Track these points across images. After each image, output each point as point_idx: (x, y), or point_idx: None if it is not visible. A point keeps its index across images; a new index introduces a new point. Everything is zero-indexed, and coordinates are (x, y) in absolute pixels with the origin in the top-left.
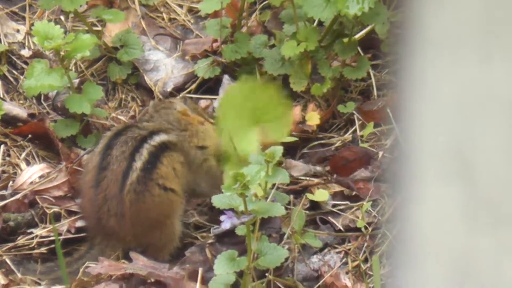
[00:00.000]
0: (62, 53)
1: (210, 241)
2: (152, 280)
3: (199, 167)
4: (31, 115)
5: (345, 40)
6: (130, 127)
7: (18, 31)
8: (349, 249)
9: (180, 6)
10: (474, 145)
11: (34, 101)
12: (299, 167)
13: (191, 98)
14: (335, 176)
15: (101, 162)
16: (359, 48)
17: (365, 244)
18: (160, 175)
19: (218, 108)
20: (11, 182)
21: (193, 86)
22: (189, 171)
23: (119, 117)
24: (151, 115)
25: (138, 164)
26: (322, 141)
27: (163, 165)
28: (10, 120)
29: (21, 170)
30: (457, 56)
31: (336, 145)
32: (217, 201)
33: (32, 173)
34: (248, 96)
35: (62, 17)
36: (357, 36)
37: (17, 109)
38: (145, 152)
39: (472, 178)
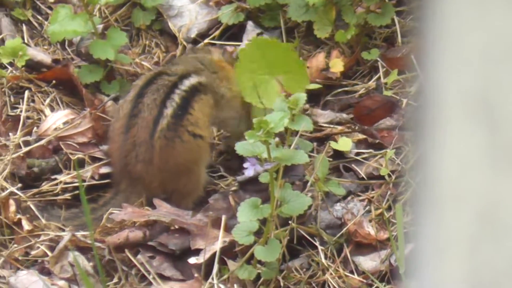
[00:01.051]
0: None
1: (233, 188)
2: (176, 227)
3: (229, 103)
4: (55, 61)
5: None
6: (160, 75)
7: None
8: (373, 197)
9: None
10: (499, 91)
11: (58, 46)
12: (324, 115)
13: (214, 44)
14: (357, 126)
15: (132, 110)
16: None
17: (389, 192)
18: (190, 122)
19: (238, 62)
20: (35, 128)
21: (217, 33)
22: (219, 111)
23: (142, 63)
24: (181, 58)
25: (169, 110)
26: (346, 88)
27: (194, 111)
28: (34, 66)
29: (45, 116)
30: (483, 3)
31: (360, 92)
32: (241, 148)
33: (56, 119)
34: (263, 51)
35: None
36: None
37: (41, 55)
38: (176, 97)
39: (496, 123)
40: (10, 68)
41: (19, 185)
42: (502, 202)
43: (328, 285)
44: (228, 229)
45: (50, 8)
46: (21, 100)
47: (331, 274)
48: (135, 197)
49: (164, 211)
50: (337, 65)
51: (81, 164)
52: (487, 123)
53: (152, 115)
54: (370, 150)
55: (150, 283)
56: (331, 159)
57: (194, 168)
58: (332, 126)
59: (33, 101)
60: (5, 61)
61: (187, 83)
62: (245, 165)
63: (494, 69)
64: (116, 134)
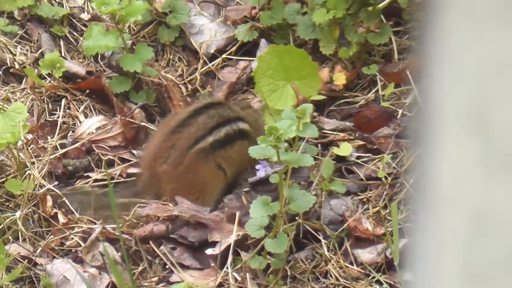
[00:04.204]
0: (117, 17)
1: (246, 189)
2: (195, 221)
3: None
4: (89, 72)
5: (370, 8)
6: (223, 106)
7: None
8: (370, 197)
9: None
10: (491, 105)
11: (92, 59)
12: (328, 123)
13: (231, 59)
14: (358, 133)
15: (185, 119)
16: (382, 16)
17: (385, 192)
18: (221, 156)
19: (256, 69)
20: (70, 132)
21: (233, 49)
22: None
23: (167, 75)
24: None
25: (211, 139)
26: (348, 100)
27: (230, 150)
28: (70, 77)
29: (79, 121)
30: (478, 25)
31: (360, 103)
32: (254, 152)
33: (90, 124)
34: (281, 57)
35: None
36: (381, 5)
37: (76, 67)
38: (223, 132)
39: (488, 133)
40: (48, 79)
41: (56, 182)
42: (493, 203)
43: (330, 275)
44: (241, 224)
45: (85, 26)
46: (58, 107)
47: (333, 265)
48: (148, 190)
49: (184, 207)
50: (340, 79)
51: (111, 164)
52: (480, 133)
53: (197, 133)
54: (369, 155)
55: (172, 271)
56: (334, 162)
57: (205, 190)
58: (335, 133)
59: (69, 108)
60: (44, 72)
61: (241, 125)
62: (257, 167)
63: (487, 85)
64: (161, 133)
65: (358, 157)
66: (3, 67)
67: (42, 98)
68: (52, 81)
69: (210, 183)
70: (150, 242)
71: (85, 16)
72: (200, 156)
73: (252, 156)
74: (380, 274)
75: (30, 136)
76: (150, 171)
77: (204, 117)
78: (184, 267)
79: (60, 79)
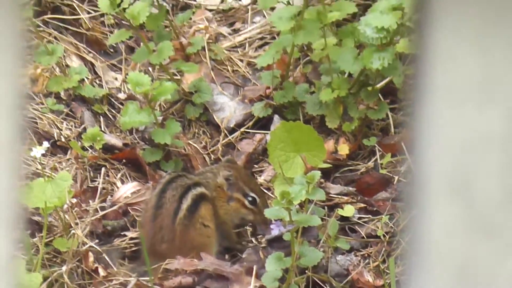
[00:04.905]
0: (149, 96)
1: (263, 245)
2: (217, 274)
3: (222, 222)
4: (125, 144)
5: (369, 88)
6: (181, 176)
7: (116, 79)
8: (371, 252)
9: (241, 60)
10: (473, 172)
11: (128, 133)
12: (333, 187)
13: (248, 132)
14: (359, 197)
15: (157, 202)
16: (380, 95)
17: (383, 249)
18: (200, 216)
19: (269, 142)
20: (109, 197)
21: (250, 123)
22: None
23: (193, 145)
24: (202, 170)
25: (184, 205)
26: (351, 167)
27: (202, 209)
28: (109, 148)
29: (117, 187)
30: (459, 105)
31: (361, 170)
32: (269, 213)
33: (126, 190)
34: (290, 132)
35: (150, 68)
36: (379, 85)
37: (114, 140)
38: (189, 197)
39: (472, 198)
40: (90, 150)
41: (96, 240)
42: (475, 261)
43: None
44: (258, 277)
45: (122, 104)
46: (98, 175)
47: None
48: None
49: (208, 262)
50: (344, 149)
51: None
52: (463, 197)
53: (172, 206)
54: (369, 216)
55: None
56: (339, 222)
57: (205, 247)
58: (339, 196)
59: (108, 175)
60: (86, 144)
61: (198, 189)
62: (271, 226)
63: (468, 156)
64: (146, 222)
65: (359, 218)
66: (51, 140)
67: (84, 167)
68: (93, 152)
69: (205, 240)
70: None
71: (121, 95)
72: (185, 224)
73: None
74: None
75: (74, 200)
76: (153, 254)
77: (169, 192)
78: None
79: (100, 150)
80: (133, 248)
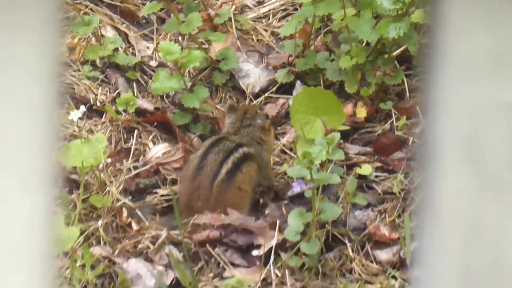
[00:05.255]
0: (179, 63)
1: (285, 202)
2: (242, 228)
3: (266, 166)
4: (156, 108)
5: (386, 56)
6: (222, 140)
7: (148, 47)
8: (387, 208)
9: (265, 30)
10: (483, 136)
11: (159, 98)
12: (352, 148)
13: (272, 97)
14: (376, 157)
15: (199, 164)
16: (396, 62)
17: (399, 205)
18: (237, 181)
19: (291, 106)
20: (142, 157)
21: (274, 89)
22: (260, 173)
23: (221, 109)
24: (238, 128)
25: (224, 170)
26: (368, 129)
27: (241, 173)
28: (141, 112)
29: (149, 148)
30: (471, 75)
31: (378, 132)
32: (291, 172)
33: (157, 151)
34: (311, 97)
35: (179, 38)
36: (395, 53)
37: (146, 104)
38: (230, 161)
39: (482, 162)
40: (123, 114)
41: (129, 197)
42: (485, 219)
43: (354, 271)
44: (281, 230)
45: (153, 71)
46: (131, 137)
47: (356, 263)
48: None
49: (234, 217)
50: (362, 113)
51: (174, 182)
52: (473, 159)
53: (212, 170)
54: (385, 174)
55: (224, 269)
56: (357, 180)
57: (239, 207)
58: (357, 156)
59: (140, 137)
60: (120, 108)
61: (241, 151)
62: (293, 184)
63: (481, 122)
64: (187, 179)
65: (376, 176)
66: (87, 105)
67: (118, 129)
68: (126, 116)
69: (239, 204)
70: (207, 245)
71: (153, 63)
72: (222, 188)
73: (257, 171)
74: (395, 270)
75: (109, 160)
76: (189, 209)
77: (211, 156)
78: (235, 265)
79: (133, 114)
80: (164, 205)
